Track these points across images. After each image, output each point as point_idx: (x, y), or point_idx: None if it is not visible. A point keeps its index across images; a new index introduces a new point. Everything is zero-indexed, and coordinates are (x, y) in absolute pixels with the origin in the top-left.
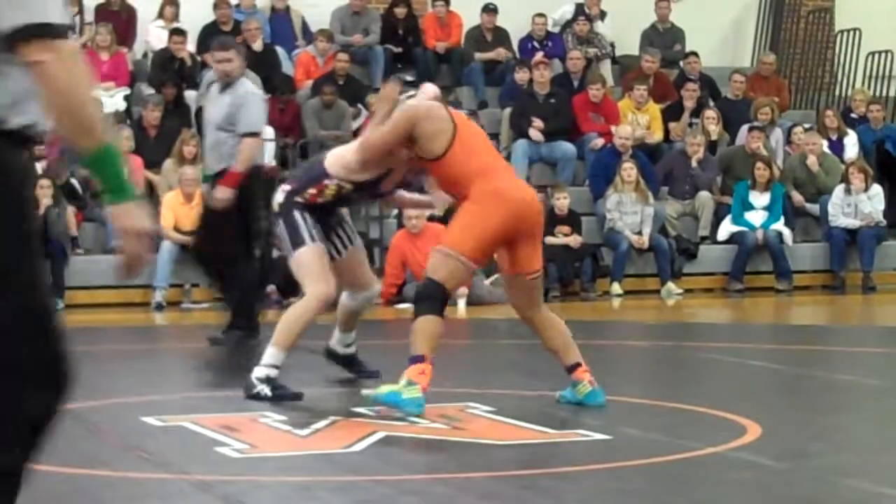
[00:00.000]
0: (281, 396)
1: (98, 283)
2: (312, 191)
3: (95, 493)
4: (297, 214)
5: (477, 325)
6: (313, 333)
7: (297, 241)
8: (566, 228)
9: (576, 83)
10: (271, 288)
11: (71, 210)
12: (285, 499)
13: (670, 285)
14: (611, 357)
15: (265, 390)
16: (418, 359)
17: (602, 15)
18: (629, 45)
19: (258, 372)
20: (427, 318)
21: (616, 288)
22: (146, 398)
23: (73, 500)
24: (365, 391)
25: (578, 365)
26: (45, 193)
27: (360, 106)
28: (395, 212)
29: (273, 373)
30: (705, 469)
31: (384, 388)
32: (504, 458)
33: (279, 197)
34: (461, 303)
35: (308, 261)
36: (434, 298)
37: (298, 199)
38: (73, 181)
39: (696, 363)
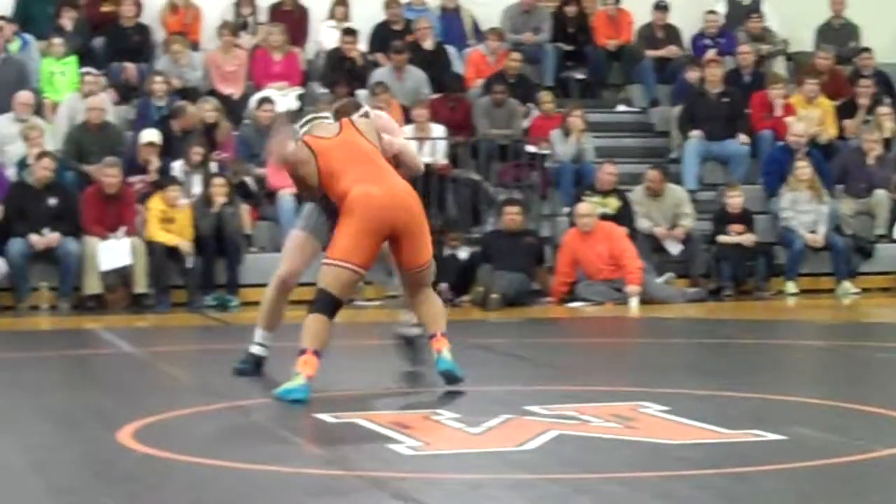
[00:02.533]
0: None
1: None
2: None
3: (271, 490)
4: (309, 204)
5: (650, 323)
6: (477, 331)
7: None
8: (739, 227)
9: (747, 79)
10: (443, 286)
11: (245, 208)
12: (457, 496)
13: (846, 284)
14: (785, 357)
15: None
16: (303, 351)
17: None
18: (802, 41)
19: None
20: (315, 316)
21: (790, 287)
22: (320, 395)
23: (250, 497)
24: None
25: (433, 336)
26: (219, 192)
27: (530, 105)
28: (567, 210)
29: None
30: (882, 471)
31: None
32: (677, 457)
33: None
34: (633, 302)
35: (287, 243)
36: (322, 302)
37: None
38: (247, 180)
39: (872, 363)
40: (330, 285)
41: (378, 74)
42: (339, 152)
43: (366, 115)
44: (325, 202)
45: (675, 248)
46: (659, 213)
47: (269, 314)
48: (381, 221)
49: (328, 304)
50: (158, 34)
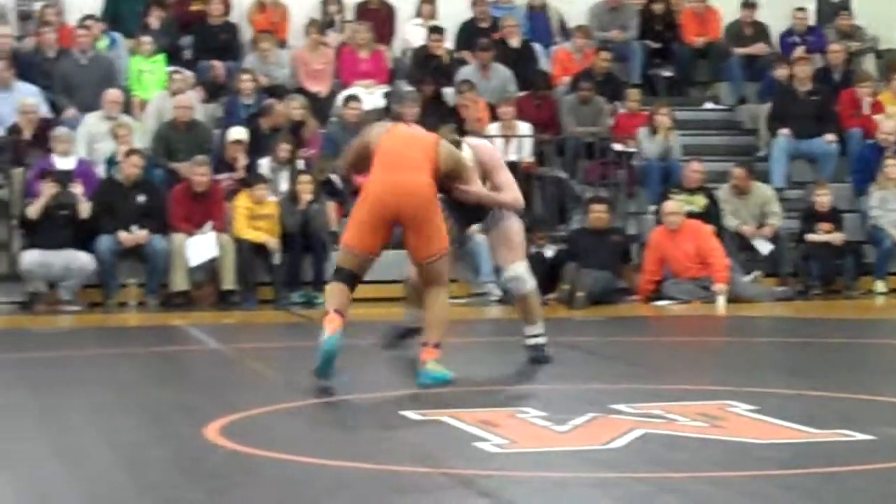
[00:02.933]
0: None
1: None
2: None
3: (356, 487)
4: None
5: (737, 322)
6: (563, 329)
7: None
8: (828, 225)
9: (837, 77)
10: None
11: (331, 205)
12: (544, 494)
13: None
14: (874, 356)
15: None
16: (325, 313)
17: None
18: (892, 38)
19: None
20: (331, 284)
21: (880, 286)
22: (405, 392)
23: (335, 494)
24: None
25: (425, 345)
26: (305, 189)
27: (616, 103)
28: (653, 207)
29: None
30: None
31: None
32: (765, 457)
33: None
34: (720, 300)
35: None
36: (336, 274)
37: None
38: (333, 177)
39: None
40: (340, 263)
41: (464, 73)
42: (382, 148)
43: (457, 143)
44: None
45: (764, 248)
46: (746, 212)
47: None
48: (385, 207)
49: (339, 274)
50: (246, 33)
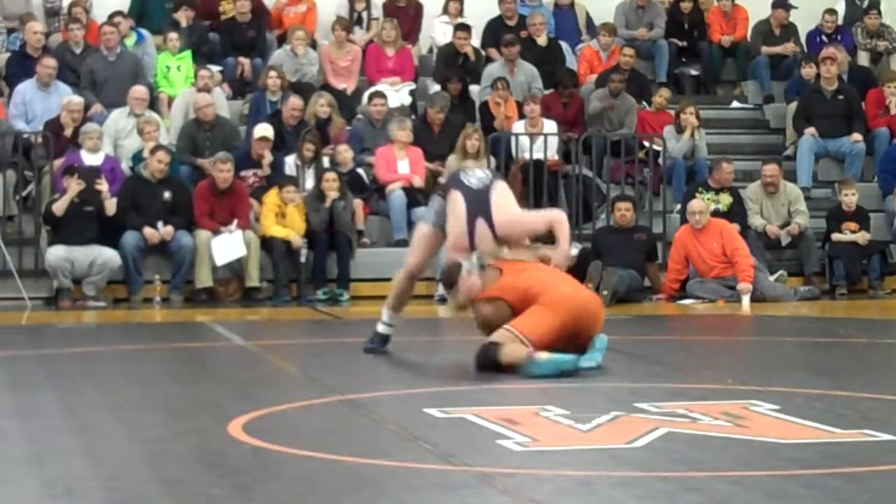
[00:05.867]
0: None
1: (384, 276)
2: None
3: (378, 483)
4: (437, 198)
5: (761, 322)
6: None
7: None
8: (854, 225)
9: (864, 76)
10: None
11: (357, 203)
12: (566, 493)
13: None
14: None
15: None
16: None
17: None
18: None
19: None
20: None
21: None
22: (429, 389)
23: (356, 490)
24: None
25: None
26: (331, 186)
27: (643, 102)
28: (678, 206)
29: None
30: None
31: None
32: (788, 456)
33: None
34: (745, 300)
35: (414, 235)
36: None
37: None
38: (360, 172)
39: None
40: None
41: (490, 70)
42: None
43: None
44: None
45: (784, 239)
46: (773, 210)
47: (396, 297)
48: None
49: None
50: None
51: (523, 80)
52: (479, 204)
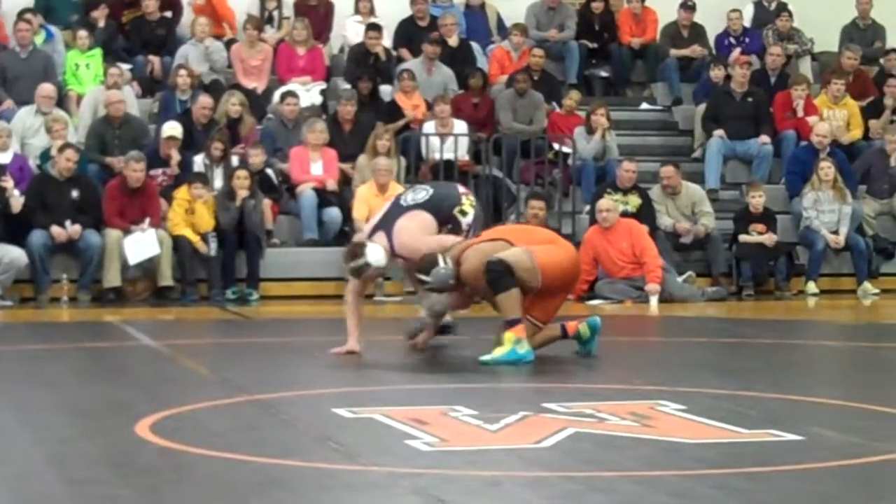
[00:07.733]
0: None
1: (293, 275)
2: None
3: (288, 483)
4: None
5: (669, 322)
6: (493, 327)
7: None
8: (761, 226)
9: (773, 80)
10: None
11: (267, 203)
12: (474, 493)
13: (867, 285)
14: (805, 357)
15: None
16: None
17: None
18: (826, 41)
19: None
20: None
21: (811, 287)
22: (338, 390)
23: (266, 490)
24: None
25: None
26: (242, 185)
27: (553, 103)
28: (588, 207)
29: None
30: None
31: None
32: (694, 456)
33: None
34: (653, 300)
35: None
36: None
37: None
38: (270, 172)
39: (892, 364)
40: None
41: (407, 66)
42: None
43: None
44: None
45: (687, 238)
46: (677, 212)
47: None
48: None
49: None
50: (185, 29)
51: (440, 80)
52: (388, 220)
